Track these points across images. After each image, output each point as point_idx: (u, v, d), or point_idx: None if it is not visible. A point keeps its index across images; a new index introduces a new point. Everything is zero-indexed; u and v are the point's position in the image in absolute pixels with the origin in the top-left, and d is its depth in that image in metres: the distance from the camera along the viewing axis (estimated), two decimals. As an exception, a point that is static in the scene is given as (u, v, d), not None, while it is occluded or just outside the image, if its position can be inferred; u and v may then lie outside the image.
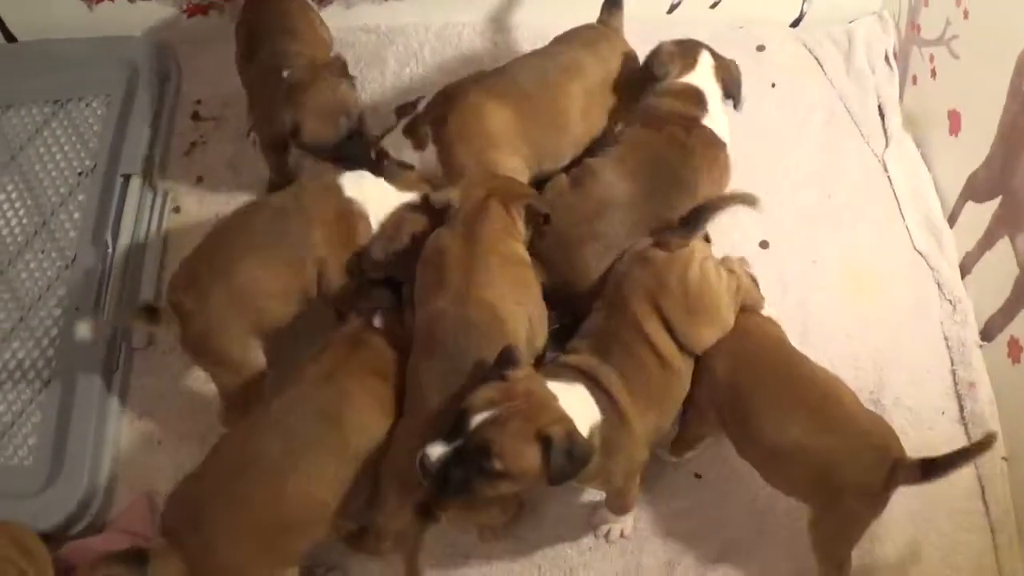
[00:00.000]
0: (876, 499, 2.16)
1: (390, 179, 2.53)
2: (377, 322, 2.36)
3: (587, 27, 2.84)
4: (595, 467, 2.09)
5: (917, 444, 2.55)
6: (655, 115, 2.65)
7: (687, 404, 2.37)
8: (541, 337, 2.38)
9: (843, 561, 2.29)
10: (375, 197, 2.49)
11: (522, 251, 2.41)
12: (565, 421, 1.98)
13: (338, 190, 2.47)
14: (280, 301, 2.44)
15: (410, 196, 2.51)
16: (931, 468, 2.12)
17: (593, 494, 2.50)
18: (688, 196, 2.53)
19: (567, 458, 1.95)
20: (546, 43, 2.84)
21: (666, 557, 2.46)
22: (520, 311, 2.28)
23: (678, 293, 2.28)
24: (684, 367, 2.31)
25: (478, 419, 1.94)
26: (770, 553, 2.43)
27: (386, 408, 2.26)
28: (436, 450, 1.95)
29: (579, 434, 1.99)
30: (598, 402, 2.13)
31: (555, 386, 2.07)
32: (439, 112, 2.65)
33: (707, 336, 2.31)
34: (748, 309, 2.42)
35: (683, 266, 2.31)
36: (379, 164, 2.59)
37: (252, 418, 2.25)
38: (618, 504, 2.39)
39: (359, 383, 2.25)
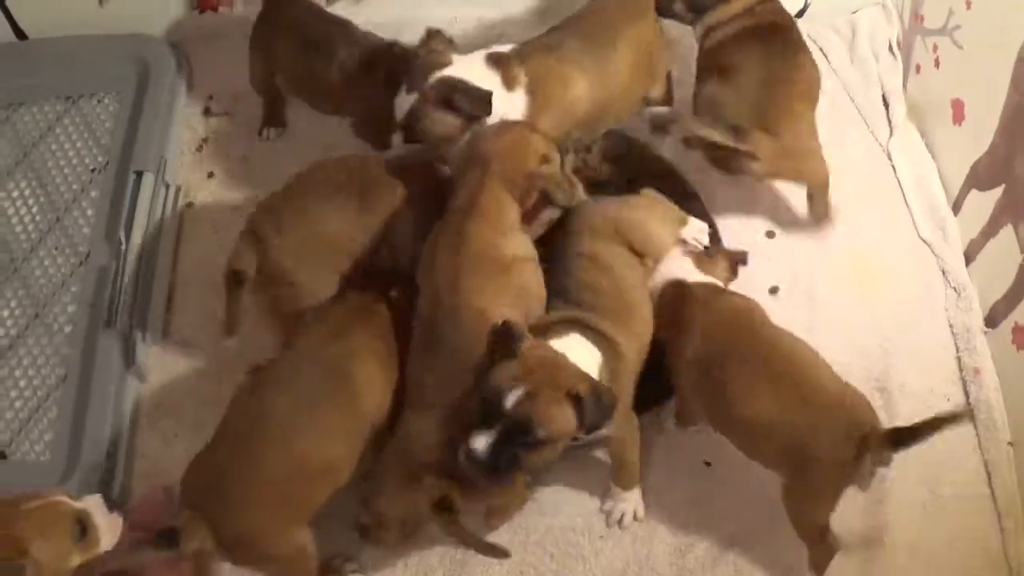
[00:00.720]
0: (847, 468, 2.18)
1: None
2: (394, 293, 2.41)
3: None
4: None
5: (923, 430, 2.59)
6: (735, 15, 2.82)
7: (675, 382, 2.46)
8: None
9: (823, 529, 2.30)
10: None
11: (514, 246, 2.34)
12: (585, 376, 2.07)
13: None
14: (347, 261, 2.51)
15: None
16: (902, 437, 2.16)
17: (603, 478, 2.53)
18: (804, 52, 2.82)
19: (597, 408, 2.04)
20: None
21: (676, 544, 2.48)
22: (515, 313, 2.24)
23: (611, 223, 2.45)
24: (632, 273, 2.43)
25: (511, 398, 2.01)
26: (781, 540, 2.43)
27: (391, 367, 2.31)
28: (481, 442, 2.01)
29: (600, 383, 2.09)
30: (593, 342, 2.21)
31: (557, 343, 2.15)
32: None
33: (655, 233, 2.50)
34: (718, 288, 2.50)
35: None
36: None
37: (259, 376, 2.29)
38: (623, 471, 2.44)
39: (366, 342, 2.30)
